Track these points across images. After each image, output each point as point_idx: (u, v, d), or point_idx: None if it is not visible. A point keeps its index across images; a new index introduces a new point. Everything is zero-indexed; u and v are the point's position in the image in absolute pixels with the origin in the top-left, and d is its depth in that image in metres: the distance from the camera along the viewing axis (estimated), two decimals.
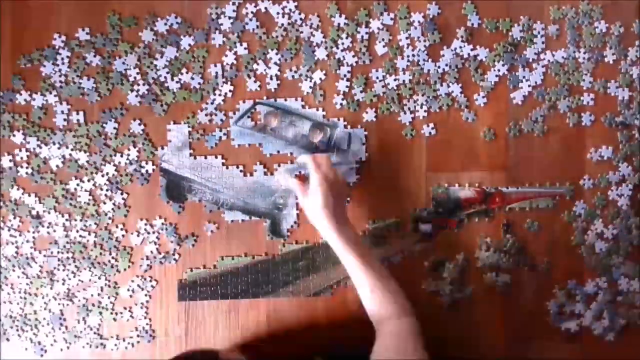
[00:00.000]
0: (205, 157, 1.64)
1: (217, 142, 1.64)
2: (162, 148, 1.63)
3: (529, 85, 1.69)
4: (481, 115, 1.69)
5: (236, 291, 1.67)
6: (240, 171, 1.64)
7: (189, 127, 1.63)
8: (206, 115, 1.63)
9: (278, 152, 1.65)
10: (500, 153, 1.70)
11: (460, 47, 1.67)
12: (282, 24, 1.63)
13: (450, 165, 1.70)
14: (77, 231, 1.63)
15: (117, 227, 1.64)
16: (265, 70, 1.64)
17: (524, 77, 1.69)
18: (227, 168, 1.64)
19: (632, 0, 1.70)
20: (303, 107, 1.64)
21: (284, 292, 1.68)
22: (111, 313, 1.65)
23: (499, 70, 1.68)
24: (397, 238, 1.69)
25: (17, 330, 1.64)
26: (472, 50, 1.67)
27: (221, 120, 1.64)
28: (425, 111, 1.67)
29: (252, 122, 1.64)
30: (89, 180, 1.62)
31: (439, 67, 1.67)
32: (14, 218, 1.62)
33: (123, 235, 1.64)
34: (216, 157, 1.64)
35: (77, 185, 1.62)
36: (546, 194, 1.71)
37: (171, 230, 1.65)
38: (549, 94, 1.69)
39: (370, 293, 1.48)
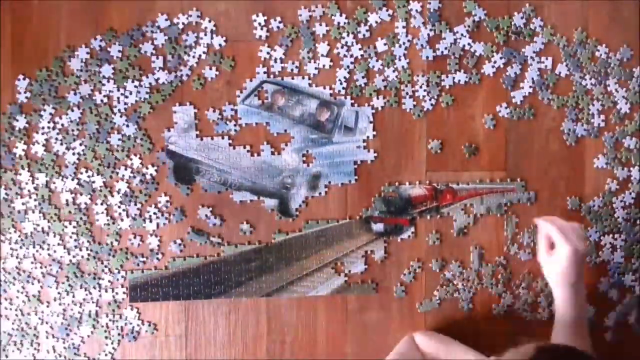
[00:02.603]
0: (212, 138, 1.64)
1: (225, 131, 1.64)
2: (168, 130, 1.63)
3: (530, 86, 1.72)
4: (480, 110, 1.72)
5: (188, 292, 1.66)
6: (247, 151, 1.64)
7: (194, 108, 1.63)
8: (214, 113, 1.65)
9: (285, 130, 1.65)
10: (500, 152, 1.72)
11: (462, 35, 1.70)
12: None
13: (450, 165, 1.71)
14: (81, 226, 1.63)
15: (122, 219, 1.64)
16: (269, 53, 1.66)
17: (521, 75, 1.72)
18: (233, 148, 1.64)
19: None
20: (310, 85, 1.65)
21: (237, 292, 1.67)
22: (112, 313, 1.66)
23: (495, 62, 1.70)
24: (350, 238, 1.69)
25: (15, 345, 1.64)
26: (472, 42, 1.70)
27: (232, 110, 1.65)
28: (425, 91, 1.69)
29: (259, 100, 1.64)
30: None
31: (437, 53, 1.70)
32: (14, 231, 1.62)
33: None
34: (222, 138, 1.64)
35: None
36: (497, 189, 1.72)
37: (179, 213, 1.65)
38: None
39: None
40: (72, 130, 1.60)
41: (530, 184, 1.72)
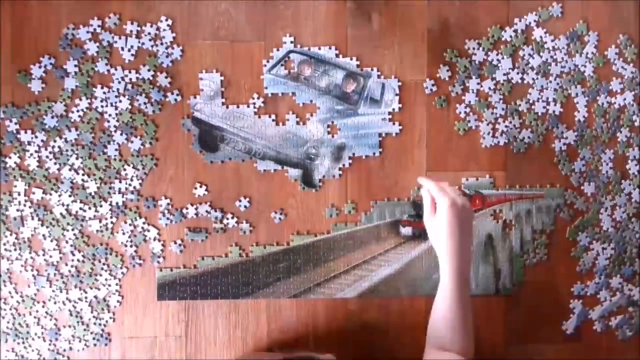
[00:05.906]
0: (237, 106, 1.63)
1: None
2: (195, 97, 1.62)
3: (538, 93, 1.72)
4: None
5: (216, 292, 1.65)
6: (273, 120, 1.64)
7: (221, 76, 1.63)
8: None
9: (311, 101, 1.65)
10: (500, 153, 1.72)
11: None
12: None
13: (451, 165, 1.71)
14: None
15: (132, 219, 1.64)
16: None
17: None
18: (259, 117, 1.64)
19: None
20: (337, 55, 1.65)
21: (264, 293, 1.66)
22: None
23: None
24: (378, 241, 1.69)
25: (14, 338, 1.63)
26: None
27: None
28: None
29: (285, 70, 1.64)
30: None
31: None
32: (10, 234, 1.61)
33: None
34: (248, 106, 1.63)
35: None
36: (527, 196, 1.72)
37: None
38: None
39: (453, 324, 1.42)
40: (67, 151, 1.60)
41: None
